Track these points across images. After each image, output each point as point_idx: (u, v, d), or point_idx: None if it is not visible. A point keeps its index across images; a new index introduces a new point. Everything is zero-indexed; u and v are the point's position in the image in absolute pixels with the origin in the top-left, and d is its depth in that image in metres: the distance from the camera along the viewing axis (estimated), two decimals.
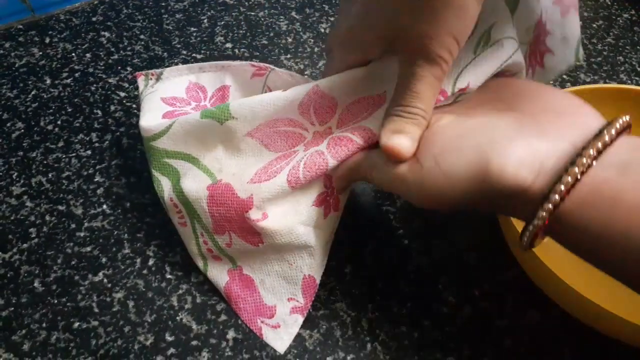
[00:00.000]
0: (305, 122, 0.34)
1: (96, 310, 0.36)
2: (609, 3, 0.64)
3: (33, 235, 0.40)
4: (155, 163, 0.36)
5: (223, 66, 0.40)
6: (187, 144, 0.35)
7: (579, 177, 0.24)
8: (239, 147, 0.34)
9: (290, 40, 0.56)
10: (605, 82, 0.54)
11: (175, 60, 0.54)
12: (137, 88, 0.51)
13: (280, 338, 0.35)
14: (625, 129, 0.26)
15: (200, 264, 0.37)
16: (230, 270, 0.37)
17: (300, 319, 0.35)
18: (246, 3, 0.60)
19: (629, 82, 0.54)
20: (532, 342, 0.35)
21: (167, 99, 0.40)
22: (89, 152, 0.45)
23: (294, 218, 0.33)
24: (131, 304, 0.36)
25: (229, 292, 0.36)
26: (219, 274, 0.37)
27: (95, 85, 0.51)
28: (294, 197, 0.33)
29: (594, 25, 0.60)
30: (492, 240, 0.40)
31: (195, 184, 0.34)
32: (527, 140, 0.26)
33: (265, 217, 0.33)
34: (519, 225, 0.33)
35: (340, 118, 0.33)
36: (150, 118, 0.37)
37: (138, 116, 0.48)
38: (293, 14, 0.59)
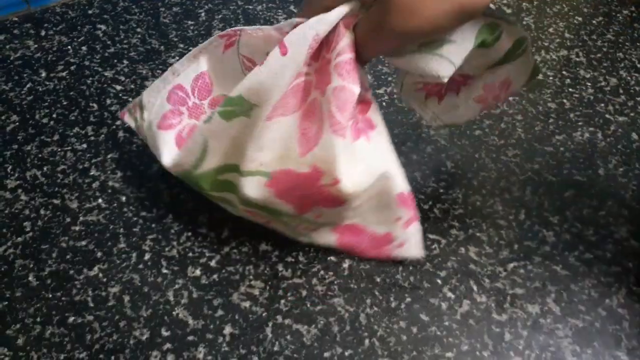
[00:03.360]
0: (303, 67, 0.33)
1: (91, 304, 0.36)
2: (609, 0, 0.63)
3: (28, 229, 0.39)
4: (211, 186, 0.36)
5: (195, 55, 0.38)
6: (226, 154, 0.35)
7: None
8: (261, 135, 0.33)
9: None
10: (605, 78, 0.54)
11: (172, 54, 0.53)
12: (134, 82, 0.50)
13: (412, 248, 0.38)
14: None
15: (304, 239, 0.38)
16: (332, 229, 0.37)
17: (417, 225, 0.37)
18: None
19: (629, 78, 0.54)
20: (530, 337, 0.35)
21: (162, 123, 0.38)
22: (84, 145, 0.45)
23: (354, 166, 0.33)
24: (127, 298, 0.36)
25: (342, 245, 0.38)
26: (326, 237, 0.38)
27: (91, 78, 0.51)
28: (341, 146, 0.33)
29: (594, 22, 0.60)
30: (492, 235, 0.40)
31: (253, 190, 0.34)
32: None
33: (337, 183, 0.32)
34: None
35: (325, 42, 0.32)
36: (170, 152, 0.36)
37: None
38: (291, 7, 0.59)
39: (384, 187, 0.35)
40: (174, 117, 0.37)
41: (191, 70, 0.38)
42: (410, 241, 0.37)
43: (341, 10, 0.31)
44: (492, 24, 0.32)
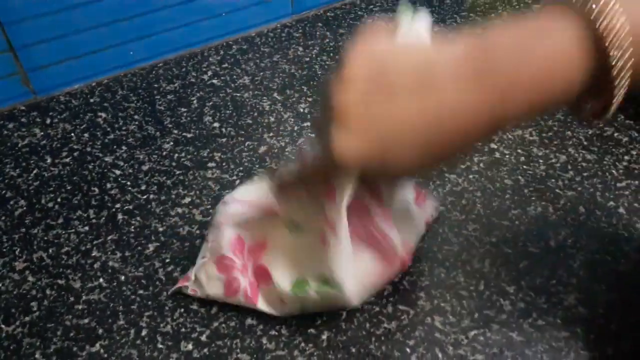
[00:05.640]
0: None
1: None
2: None
3: (34, 309, 0.43)
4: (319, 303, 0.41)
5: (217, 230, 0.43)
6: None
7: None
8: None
9: (272, 119, 0.62)
10: (555, 155, 0.60)
11: (167, 139, 0.59)
12: (132, 166, 0.56)
13: (433, 202, 0.50)
14: None
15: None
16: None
17: (423, 196, 0.48)
18: (232, 85, 0.66)
19: (577, 155, 0.60)
20: None
21: (228, 291, 0.42)
22: (86, 227, 0.50)
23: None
24: None
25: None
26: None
27: (92, 163, 0.56)
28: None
29: None
30: (454, 305, 0.45)
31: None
32: None
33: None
34: None
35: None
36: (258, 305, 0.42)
37: (132, 193, 0.53)
38: (275, 94, 0.65)
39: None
40: (234, 282, 0.42)
41: (222, 243, 0.42)
42: (433, 203, 0.49)
43: (348, 193, 0.35)
44: None
